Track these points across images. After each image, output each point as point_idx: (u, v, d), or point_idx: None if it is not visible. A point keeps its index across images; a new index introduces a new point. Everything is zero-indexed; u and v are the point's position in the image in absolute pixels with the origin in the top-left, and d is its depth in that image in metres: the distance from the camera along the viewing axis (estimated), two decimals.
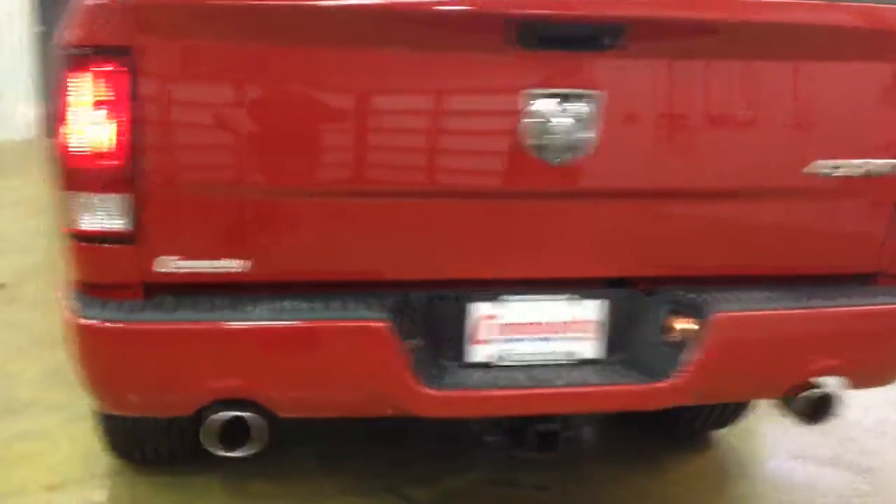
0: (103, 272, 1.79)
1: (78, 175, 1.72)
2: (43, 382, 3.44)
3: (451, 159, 1.89)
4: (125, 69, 1.66)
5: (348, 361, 1.87)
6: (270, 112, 1.76)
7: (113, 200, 1.72)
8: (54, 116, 1.73)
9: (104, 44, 1.65)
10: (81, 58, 1.67)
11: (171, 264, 1.78)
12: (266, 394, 1.84)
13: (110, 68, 1.66)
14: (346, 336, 1.85)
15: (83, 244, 1.77)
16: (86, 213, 1.73)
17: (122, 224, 1.73)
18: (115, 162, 1.69)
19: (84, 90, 1.67)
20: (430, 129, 1.86)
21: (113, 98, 1.67)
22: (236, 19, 1.70)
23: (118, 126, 1.68)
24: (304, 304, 1.85)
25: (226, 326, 1.81)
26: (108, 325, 1.75)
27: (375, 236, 1.89)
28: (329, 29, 1.74)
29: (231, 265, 1.81)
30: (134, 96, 1.68)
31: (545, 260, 2.03)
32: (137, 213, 1.73)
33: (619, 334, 2.12)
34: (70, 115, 1.69)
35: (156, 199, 1.74)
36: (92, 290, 1.80)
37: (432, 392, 1.89)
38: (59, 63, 1.72)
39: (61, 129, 1.71)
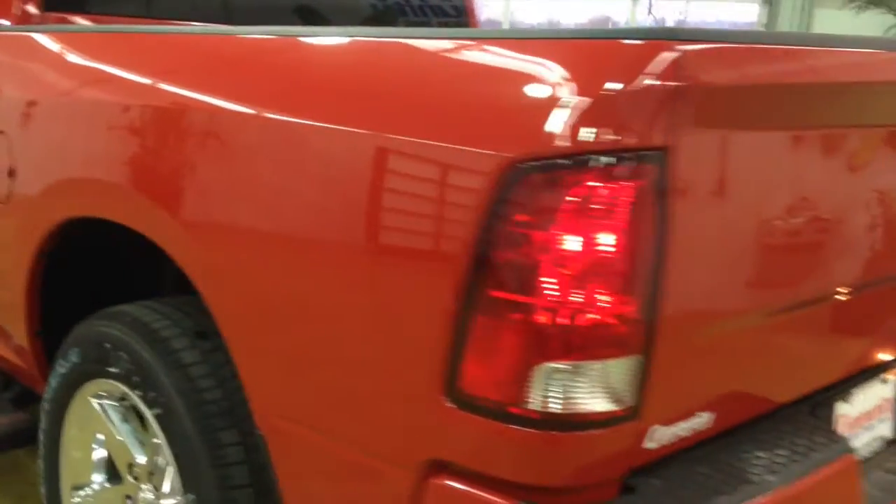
0: (584, 469, 1.23)
1: (577, 336, 1.16)
2: None
3: None
4: (657, 180, 1.16)
5: None
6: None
7: (624, 366, 1.20)
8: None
9: (634, 146, 1.14)
10: (592, 168, 1.13)
11: (659, 437, 1.29)
12: None
13: (639, 181, 1.14)
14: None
15: (553, 433, 1.19)
16: (576, 390, 1.17)
17: (630, 397, 1.22)
18: (633, 313, 1.17)
19: (593, 214, 1.13)
20: None
21: (636, 221, 1.15)
22: None
23: (640, 261, 1.16)
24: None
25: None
26: None
27: None
28: None
29: (701, 420, 1.37)
30: (662, 217, 1.18)
31: None
32: (647, 378, 1.23)
33: None
34: (558, 254, 1.14)
35: (669, 352, 1.25)
36: (547, 497, 1.21)
37: None
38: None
39: (521, 272, 1.14)
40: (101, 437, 2.02)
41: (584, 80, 1.16)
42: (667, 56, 1.16)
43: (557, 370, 1.18)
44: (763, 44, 1.34)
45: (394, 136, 1.31)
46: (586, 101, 1.15)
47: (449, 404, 1.26)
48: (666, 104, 1.16)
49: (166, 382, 1.71)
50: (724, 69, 1.25)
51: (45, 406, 2.07)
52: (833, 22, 11.86)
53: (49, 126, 2.05)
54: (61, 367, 1.99)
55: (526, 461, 1.23)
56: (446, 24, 3.67)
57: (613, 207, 1.15)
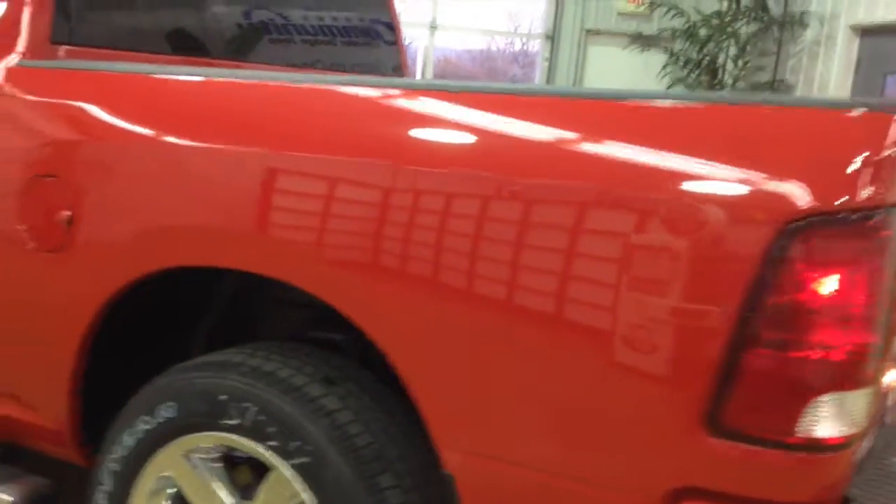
0: (830, 485, 1.41)
1: (843, 372, 1.34)
2: None
3: None
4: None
5: None
6: None
7: (868, 394, 1.38)
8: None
9: (884, 203, 1.33)
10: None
11: (861, 451, 1.47)
12: None
13: (888, 232, 1.34)
14: None
15: (815, 455, 1.37)
16: (834, 418, 1.34)
17: (864, 420, 1.40)
18: (877, 349, 1.37)
19: (856, 263, 1.32)
20: None
21: (885, 268, 1.35)
22: None
23: (883, 304, 1.37)
24: None
25: None
26: None
27: None
28: None
29: None
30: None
31: None
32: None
33: None
34: (831, 300, 1.32)
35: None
36: None
37: None
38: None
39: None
40: (172, 491, 1.94)
41: (849, 146, 1.36)
42: None
43: (824, 402, 1.35)
44: None
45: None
46: (856, 164, 1.34)
47: (710, 436, 1.38)
48: None
49: (313, 431, 1.69)
50: None
51: (113, 466, 1.94)
52: (605, 59, 12.99)
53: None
54: (145, 424, 1.88)
55: (787, 482, 1.39)
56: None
57: (871, 257, 1.35)
